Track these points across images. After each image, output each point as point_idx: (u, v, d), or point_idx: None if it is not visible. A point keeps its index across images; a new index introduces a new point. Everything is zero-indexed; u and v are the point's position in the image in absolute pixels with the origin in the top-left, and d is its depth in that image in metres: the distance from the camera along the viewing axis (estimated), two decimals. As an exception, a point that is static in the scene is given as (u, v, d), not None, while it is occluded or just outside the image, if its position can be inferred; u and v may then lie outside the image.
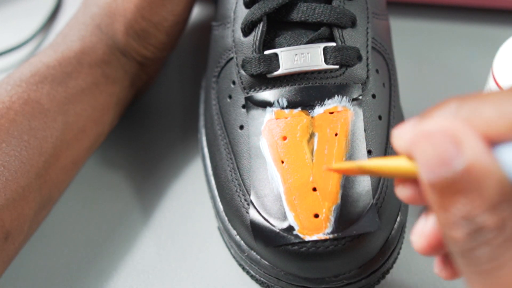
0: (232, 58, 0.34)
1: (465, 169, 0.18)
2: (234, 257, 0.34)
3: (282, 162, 0.30)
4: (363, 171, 0.24)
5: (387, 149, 0.32)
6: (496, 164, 0.19)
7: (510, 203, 0.18)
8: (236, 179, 0.32)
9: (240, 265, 0.33)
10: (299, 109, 0.31)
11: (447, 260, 0.23)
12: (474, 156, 0.18)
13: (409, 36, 0.45)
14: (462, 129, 0.19)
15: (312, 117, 0.31)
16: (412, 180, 0.22)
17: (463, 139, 0.19)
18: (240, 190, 0.31)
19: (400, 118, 0.35)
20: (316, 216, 0.29)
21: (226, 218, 0.33)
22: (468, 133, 0.19)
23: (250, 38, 0.33)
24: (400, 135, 0.21)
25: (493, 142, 0.19)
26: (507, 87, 0.20)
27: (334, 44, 0.32)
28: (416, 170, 0.20)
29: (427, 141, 0.19)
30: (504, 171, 0.19)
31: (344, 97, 0.31)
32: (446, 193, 0.19)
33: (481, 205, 0.18)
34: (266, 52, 0.32)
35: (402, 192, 0.23)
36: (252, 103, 0.32)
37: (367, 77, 0.33)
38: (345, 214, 0.29)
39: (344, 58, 0.32)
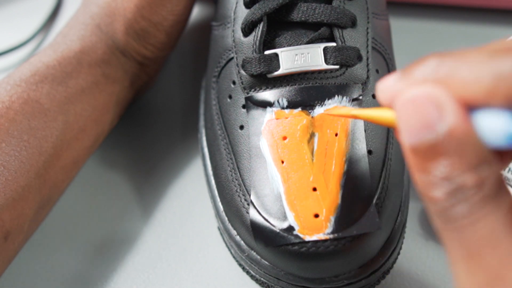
0: (232, 58, 0.34)
1: (446, 133, 0.19)
2: (234, 257, 0.34)
3: (282, 162, 0.30)
4: (356, 117, 0.27)
5: (387, 149, 0.32)
6: (473, 129, 0.19)
7: (488, 164, 0.19)
8: (236, 179, 0.32)
9: (240, 265, 0.33)
10: (299, 109, 0.31)
11: None
12: (455, 120, 0.19)
13: (409, 36, 0.45)
14: (443, 94, 0.20)
15: (312, 117, 0.31)
16: None
17: (445, 104, 0.19)
18: (240, 190, 0.31)
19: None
20: (316, 216, 0.29)
21: (226, 218, 0.33)
22: (448, 98, 0.20)
23: (250, 38, 0.33)
24: (384, 89, 0.22)
25: (470, 105, 0.20)
26: (483, 47, 0.21)
27: (334, 44, 0.32)
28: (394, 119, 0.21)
29: (410, 105, 0.20)
30: (484, 137, 0.19)
31: (344, 97, 0.31)
32: (427, 156, 0.20)
33: (461, 166, 0.19)
34: (266, 52, 0.32)
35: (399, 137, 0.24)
36: (252, 103, 0.32)
37: (367, 77, 0.33)
38: (345, 214, 0.29)
39: (344, 58, 0.32)
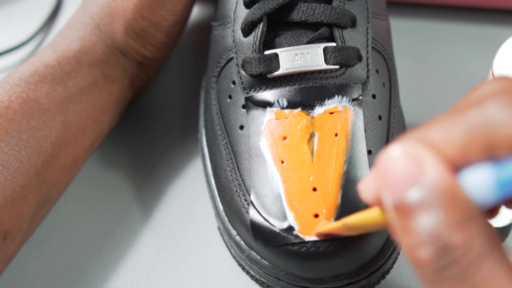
0: (232, 58, 0.34)
1: (430, 187, 0.19)
2: (234, 257, 0.34)
3: (282, 162, 0.30)
4: (348, 228, 0.26)
5: (387, 149, 0.32)
6: (457, 184, 0.19)
7: (475, 221, 0.18)
8: (236, 179, 0.32)
9: (240, 265, 0.33)
10: (299, 109, 0.31)
11: None
12: (438, 174, 0.19)
13: (409, 36, 0.45)
14: (422, 149, 0.19)
15: (312, 117, 0.31)
16: None
17: (425, 160, 0.19)
18: (240, 190, 0.31)
19: (400, 118, 0.35)
20: (316, 216, 0.29)
21: (226, 218, 0.33)
22: (428, 154, 0.19)
23: (250, 38, 0.33)
24: (365, 187, 0.21)
25: (453, 166, 0.19)
26: (453, 106, 0.21)
27: (334, 44, 0.32)
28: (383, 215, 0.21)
29: (389, 163, 0.19)
30: (472, 196, 0.19)
31: (344, 97, 0.31)
32: (411, 213, 0.19)
33: (447, 221, 0.18)
34: (266, 52, 0.32)
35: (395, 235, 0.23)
36: (252, 103, 0.32)
37: (367, 77, 0.33)
38: (345, 214, 0.29)
39: (344, 58, 0.32)
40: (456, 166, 0.19)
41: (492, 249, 0.18)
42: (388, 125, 0.33)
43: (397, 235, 0.20)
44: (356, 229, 0.26)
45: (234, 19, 0.34)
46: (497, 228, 0.32)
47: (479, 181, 0.19)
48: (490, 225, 0.19)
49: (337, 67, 0.32)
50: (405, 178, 0.19)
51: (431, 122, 0.20)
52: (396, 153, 0.20)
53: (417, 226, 0.19)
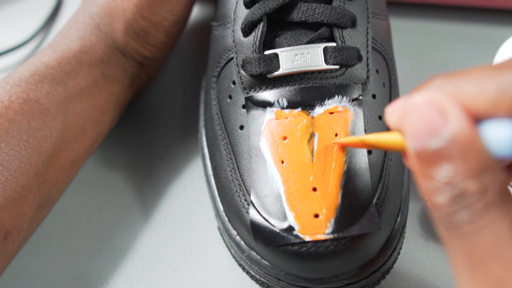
0: (232, 58, 0.34)
1: (451, 138, 0.19)
2: (234, 257, 0.34)
3: (282, 162, 0.30)
4: (366, 144, 0.27)
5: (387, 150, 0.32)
6: (478, 135, 0.20)
7: (492, 171, 0.19)
8: (236, 179, 0.32)
9: (240, 265, 0.33)
10: (299, 109, 0.31)
11: None
12: (460, 126, 0.19)
13: (409, 36, 0.45)
14: (447, 101, 0.20)
15: (312, 117, 0.31)
16: None
17: (449, 110, 0.20)
18: (240, 190, 0.31)
19: (400, 118, 0.35)
20: (316, 216, 0.29)
21: (226, 218, 0.33)
22: (453, 105, 0.20)
23: (250, 38, 0.33)
24: (391, 112, 0.22)
25: (476, 118, 0.20)
26: (492, 65, 0.21)
27: (334, 44, 0.32)
28: (402, 141, 0.22)
29: (415, 112, 0.20)
30: (490, 148, 0.20)
31: (344, 97, 0.31)
32: (431, 161, 0.20)
33: (465, 171, 0.19)
34: (266, 52, 0.32)
35: (408, 162, 0.24)
36: (252, 103, 0.32)
37: (367, 77, 0.33)
38: (345, 214, 0.29)
39: (344, 58, 0.32)
40: (481, 118, 0.20)
41: (502, 199, 0.19)
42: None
43: (416, 176, 0.21)
44: (373, 147, 0.27)
45: (234, 19, 0.34)
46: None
47: (499, 134, 0.19)
48: (504, 178, 0.20)
49: (337, 67, 0.32)
50: (428, 127, 0.20)
51: (468, 71, 0.20)
52: (422, 101, 0.20)
53: (436, 174, 0.20)
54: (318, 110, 0.31)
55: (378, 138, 0.25)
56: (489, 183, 0.19)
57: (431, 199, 0.20)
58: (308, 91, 0.31)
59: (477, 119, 0.20)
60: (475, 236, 0.19)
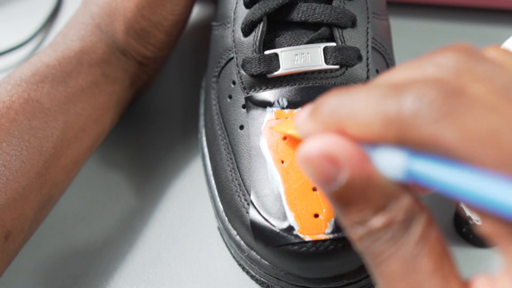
0: (232, 58, 0.34)
1: (347, 183, 0.20)
2: (234, 257, 0.34)
3: (282, 162, 0.30)
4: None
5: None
6: (375, 170, 0.20)
7: (395, 200, 0.20)
8: (236, 179, 0.32)
9: (240, 265, 0.33)
10: (299, 109, 0.31)
11: None
12: (352, 171, 0.20)
13: (409, 36, 0.45)
14: (337, 147, 0.20)
15: (312, 117, 0.31)
16: None
17: (339, 157, 0.20)
18: (240, 190, 0.31)
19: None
20: (316, 216, 0.29)
21: (226, 218, 0.33)
22: (343, 150, 0.20)
23: (250, 38, 0.33)
24: (297, 126, 0.23)
25: (371, 142, 0.20)
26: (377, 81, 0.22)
27: (334, 44, 0.32)
28: None
29: (309, 165, 0.21)
30: (384, 174, 0.20)
31: (344, 97, 0.31)
32: (340, 203, 0.21)
33: (370, 211, 0.20)
34: (266, 52, 0.32)
35: None
36: (252, 103, 0.32)
37: (367, 77, 0.33)
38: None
39: (344, 58, 0.32)
40: (374, 142, 0.20)
41: (407, 226, 0.20)
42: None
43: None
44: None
45: (234, 19, 0.34)
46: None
47: (390, 162, 0.20)
48: (412, 195, 0.21)
49: (337, 67, 0.32)
50: (324, 177, 0.21)
51: (358, 93, 0.21)
52: (313, 150, 0.21)
53: (347, 214, 0.21)
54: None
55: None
56: (394, 215, 0.20)
57: (349, 233, 0.21)
58: (308, 91, 0.31)
59: (372, 144, 0.20)
60: (385, 265, 0.20)
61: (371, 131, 0.20)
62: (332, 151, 0.21)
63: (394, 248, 0.20)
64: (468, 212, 0.31)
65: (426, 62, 0.21)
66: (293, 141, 0.30)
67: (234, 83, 0.33)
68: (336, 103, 0.21)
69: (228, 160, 0.33)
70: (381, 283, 0.21)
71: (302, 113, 0.23)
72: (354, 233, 0.21)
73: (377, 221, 0.20)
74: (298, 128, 0.23)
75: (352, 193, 0.20)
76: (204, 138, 0.36)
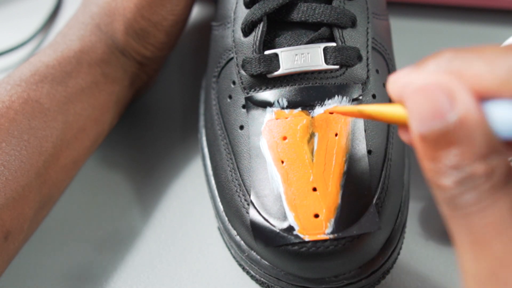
0: (232, 58, 0.34)
1: (457, 122, 0.19)
2: (234, 257, 0.34)
3: (282, 162, 0.30)
4: (363, 115, 0.26)
5: (387, 149, 0.32)
6: (485, 118, 0.20)
7: (498, 154, 0.19)
8: (236, 179, 0.32)
9: (240, 265, 0.33)
10: (299, 109, 0.31)
11: None
12: (466, 110, 0.19)
13: (409, 36, 0.45)
14: (455, 83, 0.20)
15: (312, 117, 0.31)
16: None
17: (456, 93, 0.20)
18: (240, 190, 0.31)
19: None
20: (316, 216, 0.29)
21: (226, 218, 0.33)
22: (460, 87, 0.20)
23: (250, 38, 0.33)
24: (395, 82, 0.22)
25: (481, 97, 0.20)
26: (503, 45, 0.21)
27: (334, 44, 0.32)
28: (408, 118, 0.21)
29: (421, 94, 0.20)
30: (495, 128, 0.20)
31: (344, 97, 0.31)
32: (437, 144, 0.20)
33: (472, 155, 0.19)
34: (266, 52, 0.32)
35: (404, 136, 0.24)
36: (252, 103, 0.32)
37: (367, 77, 0.33)
38: (345, 214, 0.29)
39: (344, 58, 0.32)
40: (486, 97, 0.20)
41: (507, 180, 0.19)
42: (388, 125, 0.33)
43: (418, 156, 0.21)
44: (371, 117, 0.26)
45: (234, 19, 0.34)
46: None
47: (505, 116, 0.19)
48: (509, 161, 0.20)
49: (337, 67, 0.32)
50: (434, 111, 0.20)
51: (479, 48, 0.20)
52: (429, 81, 0.20)
53: (442, 157, 0.20)
54: (318, 110, 0.31)
55: (378, 109, 0.24)
56: (495, 165, 0.19)
57: (436, 181, 0.20)
58: (308, 91, 0.31)
59: (483, 98, 0.20)
60: (479, 216, 0.19)
61: (492, 81, 0.19)
62: (450, 85, 0.20)
63: (492, 200, 0.19)
64: None
65: None
66: (293, 142, 0.30)
67: (234, 83, 0.33)
68: (451, 56, 0.20)
69: (228, 160, 0.33)
70: (465, 237, 0.20)
71: (401, 70, 0.22)
72: (449, 178, 0.20)
73: (480, 166, 0.19)
74: (393, 83, 0.22)
75: (457, 133, 0.19)
76: (204, 138, 0.36)
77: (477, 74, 0.20)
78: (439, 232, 0.35)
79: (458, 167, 0.19)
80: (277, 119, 0.31)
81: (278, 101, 0.31)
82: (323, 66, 0.32)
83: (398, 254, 0.32)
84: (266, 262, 0.31)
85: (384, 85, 0.34)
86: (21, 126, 0.32)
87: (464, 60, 0.20)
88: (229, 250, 0.34)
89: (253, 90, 0.32)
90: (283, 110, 0.31)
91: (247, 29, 0.33)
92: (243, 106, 0.33)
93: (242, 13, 0.34)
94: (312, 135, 0.30)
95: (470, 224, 0.20)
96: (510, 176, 0.20)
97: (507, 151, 0.20)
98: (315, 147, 0.30)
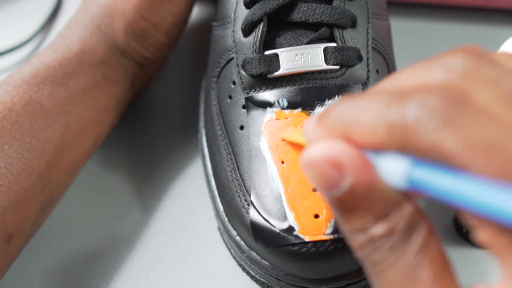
0: (232, 58, 0.34)
1: (350, 189, 0.20)
2: (234, 257, 0.34)
3: (282, 162, 0.30)
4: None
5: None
6: (378, 177, 0.20)
7: (397, 209, 0.20)
8: (236, 180, 0.32)
9: (240, 265, 0.33)
10: (300, 109, 0.31)
11: None
12: (355, 177, 0.20)
13: (409, 36, 0.45)
14: (341, 151, 0.21)
15: (312, 117, 0.31)
16: None
17: (343, 164, 0.20)
18: (240, 190, 0.31)
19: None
20: (317, 216, 0.29)
21: (226, 219, 0.33)
22: (346, 156, 0.20)
23: (251, 38, 0.33)
24: (306, 134, 0.23)
25: (375, 148, 0.20)
26: (378, 88, 0.22)
27: (334, 44, 0.32)
28: None
29: (313, 169, 0.21)
30: (386, 181, 0.20)
31: (345, 98, 0.31)
32: (342, 209, 0.21)
33: (371, 218, 0.20)
34: (267, 53, 0.32)
35: None
36: (252, 104, 0.32)
37: (368, 78, 0.33)
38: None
39: (344, 58, 0.32)
40: (380, 150, 0.20)
41: (408, 235, 0.20)
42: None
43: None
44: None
45: (234, 19, 0.34)
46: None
47: (394, 170, 0.20)
48: (413, 204, 0.21)
49: (337, 67, 0.32)
50: (328, 181, 0.21)
51: (364, 100, 0.21)
52: (317, 154, 0.21)
53: (350, 221, 0.21)
54: (319, 111, 0.31)
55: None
56: (396, 222, 0.20)
57: (350, 241, 0.21)
58: (308, 92, 0.31)
59: (377, 151, 0.20)
60: (386, 274, 0.20)
61: (375, 138, 0.20)
62: (336, 156, 0.21)
63: (395, 257, 0.20)
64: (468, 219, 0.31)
65: (434, 64, 0.21)
66: (294, 142, 0.30)
67: (234, 83, 0.33)
68: (342, 110, 0.21)
69: (228, 161, 0.33)
70: None
71: (311, 121, 0.23)
72: (355, 240, 0.21)
73: (379, 228, 0.20)
74: (306, 135, 0.23)
75: (354, 199, 0.20)
76: (204, 138, 0.36)
77: (363, 131, 0.20)
78: (439, 232, 0.35)
79: (362, 229, 0.21)
80: (277, 119, 0.31)
81: (278, 102, 0.31)
82: (324, 66, 0.32)
83: (398, 254, 0.32)
84: (266, 263, 0.31)
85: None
86: (23, 128, 0.32)
87: (353, 115, 0.21)
88: (229, 250, 0.34)
89: (253, 90, 0.32)
90: (283, 111, 0.31)
91: (247, 29, 0.33)
92: (243, 106, 0.33)
93: (242, 13, 0.34)
94: (312, 136, 0.30)
95: (381, 281, 0.21)
96: (412, 227, 0.20)
97: (409, 201, 0.21)
98: (315, 148, 0.30)
